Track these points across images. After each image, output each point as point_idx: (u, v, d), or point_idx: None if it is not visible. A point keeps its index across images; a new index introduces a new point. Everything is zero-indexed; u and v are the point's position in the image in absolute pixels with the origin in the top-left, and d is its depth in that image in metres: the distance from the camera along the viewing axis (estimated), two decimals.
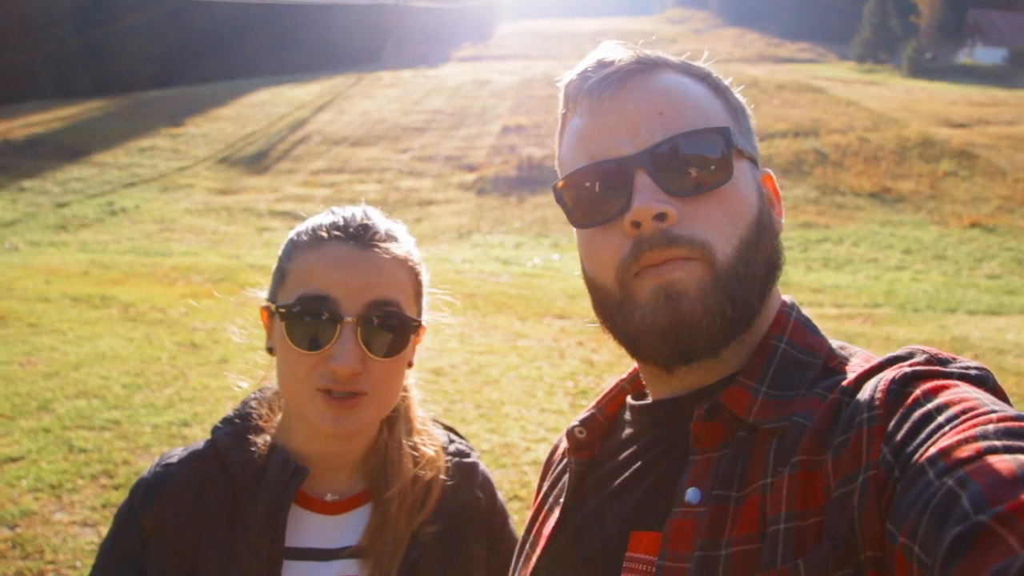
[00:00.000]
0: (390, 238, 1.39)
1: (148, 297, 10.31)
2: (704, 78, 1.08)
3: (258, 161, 24.00)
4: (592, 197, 1.03)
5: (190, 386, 6.85)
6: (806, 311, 1.13)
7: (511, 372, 7.82)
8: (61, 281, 11.19)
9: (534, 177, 21.38)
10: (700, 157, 0.99)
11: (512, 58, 48.12)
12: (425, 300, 1.46)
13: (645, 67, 1.05)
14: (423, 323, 1.44)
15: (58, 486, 4.94)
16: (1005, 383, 7.85)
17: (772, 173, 1.12)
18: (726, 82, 1.11)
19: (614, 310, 1.03)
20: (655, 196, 0.96)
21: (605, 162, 1.01)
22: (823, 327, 1.12)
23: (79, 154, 23.32)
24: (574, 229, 1.09)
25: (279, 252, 1.44)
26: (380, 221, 1.41)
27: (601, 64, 1.06)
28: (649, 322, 0.98)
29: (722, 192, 0.99)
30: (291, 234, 1.44)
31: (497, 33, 64.95)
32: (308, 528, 1.40)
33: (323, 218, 1.41)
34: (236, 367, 1.58)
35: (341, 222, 1.38)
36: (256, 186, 21.63)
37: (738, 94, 1.12)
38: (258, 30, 42.55)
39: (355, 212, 1.41)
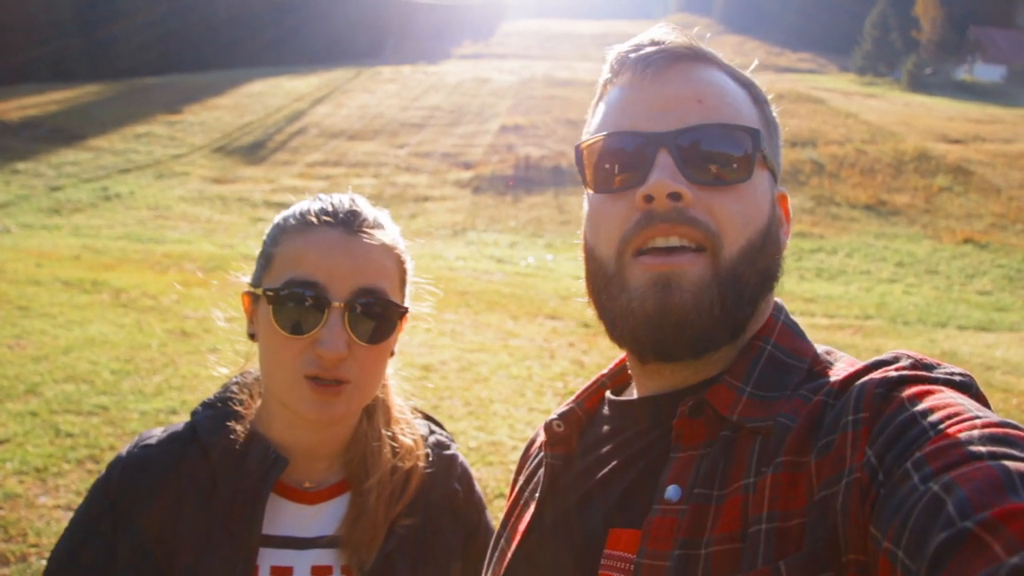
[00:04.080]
0: (377, 225, 1.39)
1: (140, 283, 10.27)
2: (748, 86, 1.09)
3: (254, 151, 23.96)
4: (612, 164, 1.03)
5: (179, 374, 6.83)
6: (797, 320, 1.13)
7: (501, 371, 7.82)
8: (53, 265, 11.15)
9: (531, 177, 21.39)
10: (725, 151, 0.99)
11: (513, 57, 48.12)
12: (409, 288, 1.46)
13: (695, 56, 1.06)
14: (408, 309, 1.43)
15: (43, 470, 4.92)
16: (992, 399, 7.86)
17: (787, 195, 1.13)
18: (767, 97, 1.12)
19: (603, 283, 1.03)
20: (673, 175, 0.97)
21: (633, 133, 1.01)
22: (814, 337, 1.12)
23: (74, 138, 23.25)
24: (585, 195, 1.10)
25: (264, 237, 1.42)
26: (367, 208, 1.41)
27: (653, 43, 1.06)
28: (635, 306, 0.98)
29: (740, 190, 1.00)
30: (277, 219, 1.43)
31: (499, 32, 64.90)
32: (285, 516, 1.39)
33: (311, 204, 1.40)
34: (225, 357, 1.57)
35: (330, 208, 1.37)
36: (252, 176, 21.59)
37: (775, 112, 1.13)
38: (259, 22, 42.46)
39: (343, 199, 1.40)
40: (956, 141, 27.18)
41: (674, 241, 0.97)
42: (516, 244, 17.43)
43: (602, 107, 1.09)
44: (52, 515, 4.44)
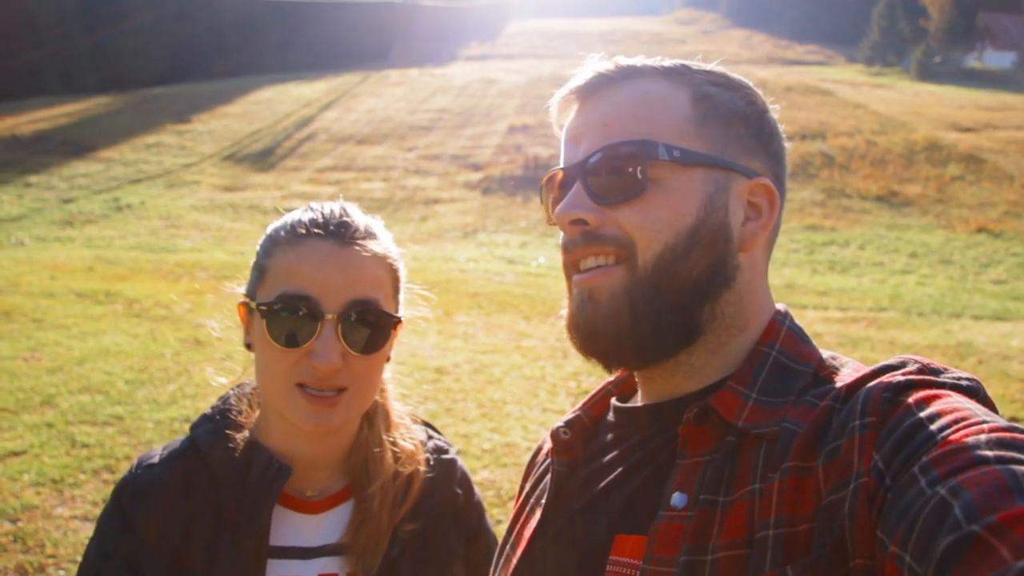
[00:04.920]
0: (369, 235, 1.39)
1: (153, 293, 10.33)
2: (692, 84, 1.08)
3: (264, 158, 24.05)
4: (553, 198, 1.14)
5: (193, 382, 6.87)
6: (811, 314, 1.14)
7: (514, 372, 7.82)
8: (66, 276, 11.23)
9: (540, 177, 21.28)
10: (620, 167, 1.03)
11: (519, 57, 48.13)
12: (402, 296, 1.46)
13: (612, 80, 1.09)
14: (401, 319, 1.44)
15: (60, 480, 4.96)
16: (1010, 389, 7.81)
17: (769, 183, 1.08)
18: (723, 86, 1.09)
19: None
20: (578, 202, 1.04)
21: (560, 169, 1.11)
22: (828, 330, 1.13)
23: (85, 150, 23.39)
24: None
25: (257, 247, 1.43)
26: (359, 218, 1.41)
27: (577, 78, 1.12)
28: (568, 318, 1.09)
29: (645, 200, 1.02)
30: (269, 230, 1.43)
31: (505, 32, 64.95)
32: (289, 527, 1.40)
33: (302, 214, 1.40)
34: (222, 366, 1.57)
35: (320, 219, 1.37)
36: (262, 183, 21.67)
37: (746, 101, 1.09)
38: (265, 28, 42.64)
39: (334, 209, 1.40)
40: (967, 129, 26.98)
41: (591, 262, 1.05)
42: (527, 244, 17.43)
43: None
44: (69, 526, 4.47)
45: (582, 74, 1.10)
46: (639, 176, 1.02)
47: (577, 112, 1.11)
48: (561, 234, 1.10)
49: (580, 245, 1.05)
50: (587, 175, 1.04)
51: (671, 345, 1.03)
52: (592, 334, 1.04)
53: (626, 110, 1.06)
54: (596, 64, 1.10)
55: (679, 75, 1.08)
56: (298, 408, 1.32)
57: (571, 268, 1.08)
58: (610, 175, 1.03)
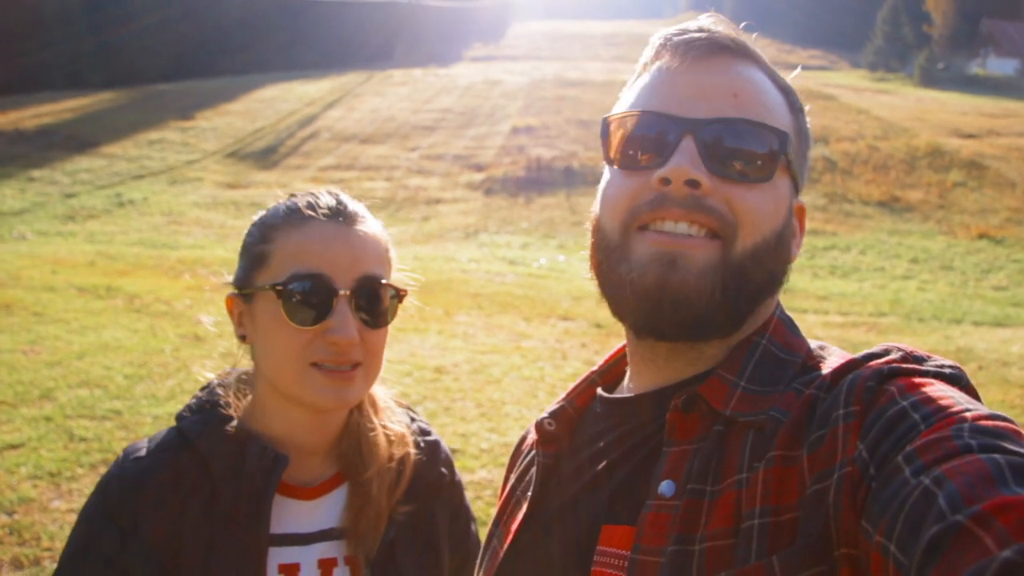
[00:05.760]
0: (365, 216, 1.45)
1: (153, 289, 10.33)
2: (787, 92, 1.10)
3: (267, 156, 24.04)
4: (635, 141, 1.03)
5: (192, 378, 6.86)
6: (811, 318, 1.15)
7: (513, 372, 7.82)
8: (67, 271, 11.23)
9: (542, 178, 21.37)
10: (751, 148, 1.00)
11: (523, 59, 48.08)
12: (395, 275, 1.50)
13: (739, 51, 1.06)
14: (407, 290, 1.47)
15: (57, 474, 4.96)
16: (1009, 395, 7.81)
17: (805, 207, 1.14)
18: (804, 107, 1.13)
19: (605, 254, 1.04)
20: (694, 163, 0.97)
21: (661, 115, 1.01)
22: (828, 335, 1.14)
23: (89, 145, 23.37)
24: (605, 167, 1.11)
25: (246, 238, 1.46)
26: (352, 201, 1.46)
27: (700, 30, 1.06)
28: (635, 277, 0.98)
29: (761, 188, 1.00)
30: (261, 218, 1.46)
31: (509, 33, 64.89)
32: (286, 514, 1.40)
33: (297, 200, 1.43)
34: (216, 361, 1.58)
35: (320, 202, 1.41)
36: (264, 181, 21.66)
37: (810, 125, 1.14)
38: (270, 26, 42.59)
39: (326, 193, 1.45)
40: (970, 136, 26.93)
41: (683, 228, 0.98)
42: (528, 245, 17.41)
43: (638, 85, 1.10)
44: (66, 519, 4.47)
45: (697, 28, 1.06)
46: (772, 165, 1.00)
47: (691, 66, 1.03)
48: (630, 189, 1.02)
49: (686, 206, 0.97)
50: (710, 138, 0.98)
51: (722, 330, 1.02)
52: (679, 301, 0.96)
53: (753, 92, 1.03)
54: (714, 27, 1.07)
55: (774, 77, 1.09)
56: (316, 387, 1.34)
57: (642, 220, 1.00)
58: (739, 150, 0.99)
